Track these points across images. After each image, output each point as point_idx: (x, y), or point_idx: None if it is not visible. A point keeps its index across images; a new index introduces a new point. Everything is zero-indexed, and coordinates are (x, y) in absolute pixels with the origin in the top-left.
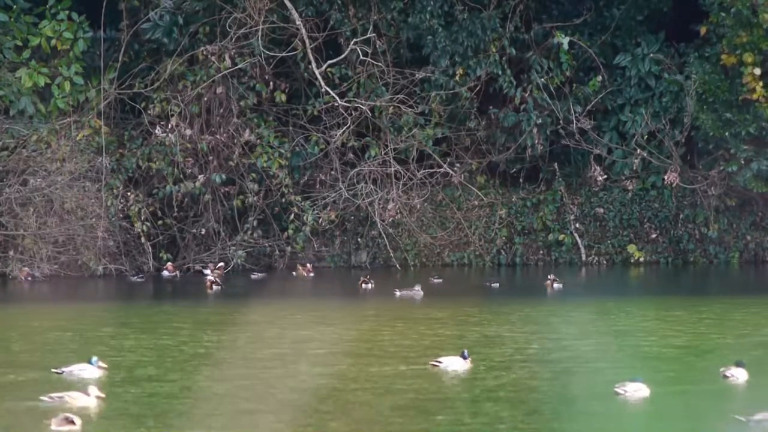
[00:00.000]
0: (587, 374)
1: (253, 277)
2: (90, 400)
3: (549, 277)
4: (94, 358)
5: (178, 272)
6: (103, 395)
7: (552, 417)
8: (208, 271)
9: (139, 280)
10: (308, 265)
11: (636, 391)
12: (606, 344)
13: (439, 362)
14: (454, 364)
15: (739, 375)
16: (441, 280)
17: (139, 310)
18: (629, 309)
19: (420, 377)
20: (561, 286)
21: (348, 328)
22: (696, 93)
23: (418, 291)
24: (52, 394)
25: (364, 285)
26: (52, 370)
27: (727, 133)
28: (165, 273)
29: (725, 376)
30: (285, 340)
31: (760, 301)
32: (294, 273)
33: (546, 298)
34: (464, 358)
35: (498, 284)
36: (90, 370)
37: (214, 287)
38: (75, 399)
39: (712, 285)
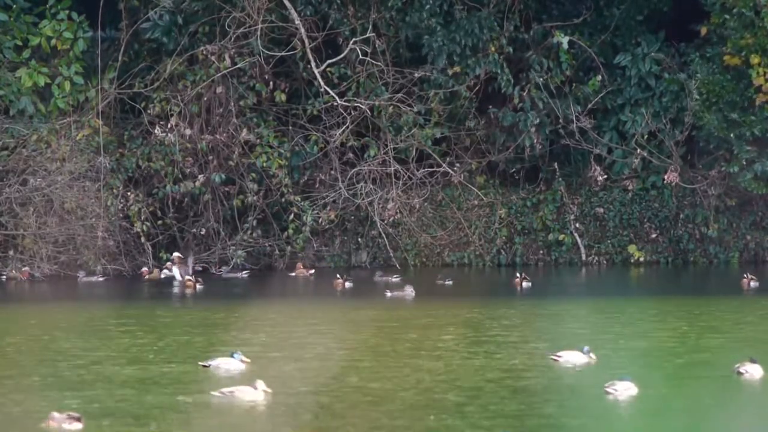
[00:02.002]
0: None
1: (224, 276)
2: (258, 395)
3: (517, 275)
4: (237, 353)
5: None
6: (269, 390)
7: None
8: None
9: (99, 279)
10: (299, 264)
11: (625, 390)
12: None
13: (559, 356)
14: (574, 359)
15: (753, 371)
16: (399, 278)
17: (105, 311)
18: (590, 309)
19: (366, 379)
20: (530, 284)
21: (291, 331)
22: (699, 93)
23: (409, 292)
24: (224, 389)
25: (346, 284)
26: (200, 363)
27: (731, 135)
28: (165, 271)
29: (739, 373)
30: (225, 343)
31: (759, 300)
32: (293, 273)
33: (514, 297)
34: (584, 352)
35: (451, 282)
36: (234, 364)
37: (198, 286)
38: (244, 393)
39: (711, 285)
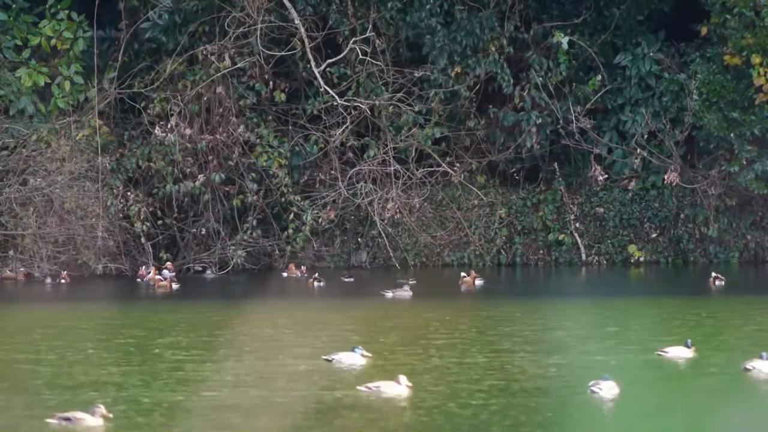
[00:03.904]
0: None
1: (207, 276)
2: (402, 389)
3: (462, 273)
4: (358, 347)
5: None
6: (410, 384)
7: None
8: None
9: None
10: (291, 265)
11: (610, 389)
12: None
13: (666, 351)
14: (680, 353)
15: (762, 368)
16: (352, 279)
17: (60, 312)
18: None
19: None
20: (482, 282)
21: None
22: (700, 93)
23: (407, 291)
24: (369, 384)
25: (316, 283)
26: (323, 357)
27: (732, 134)
28: (165, 271)
29: (746, 369)
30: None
31: (758, 300)
32: (285, 273)
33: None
34: (687, 347)
35: (414, 281)
36: (355, 358)
37: (174, 286)
38: (389, 388)
39: (685, 284)
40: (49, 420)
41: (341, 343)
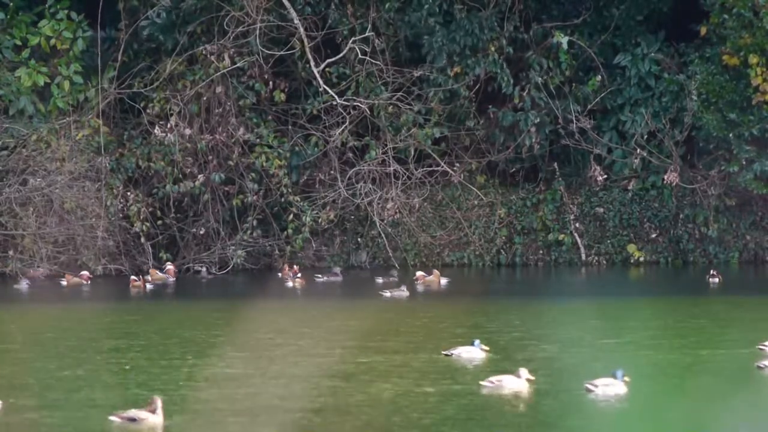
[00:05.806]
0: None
1: (202, 278)
2: (522, 383)
3: (419, 273)
4: (477, 341)
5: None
6: (532, 378)
7: None
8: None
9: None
10: (285, 266)
11: (605, 385)
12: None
13: (766, 346)
14: None
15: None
16: (324, 279)
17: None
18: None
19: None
20: (447, 281)
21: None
22: (699, 93)
23: (404, 291)
24: (492, 378)
25: (290, 284)
26: (443, 352)
27: (730, 134)
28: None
29: (759, 368)
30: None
31: (759, 300)
32: (280, 274)
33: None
34: None
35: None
36: (474, 352)
37: (147, 286)
38: (510, 382)
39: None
40: (112, 418)
41: (271, 346)
